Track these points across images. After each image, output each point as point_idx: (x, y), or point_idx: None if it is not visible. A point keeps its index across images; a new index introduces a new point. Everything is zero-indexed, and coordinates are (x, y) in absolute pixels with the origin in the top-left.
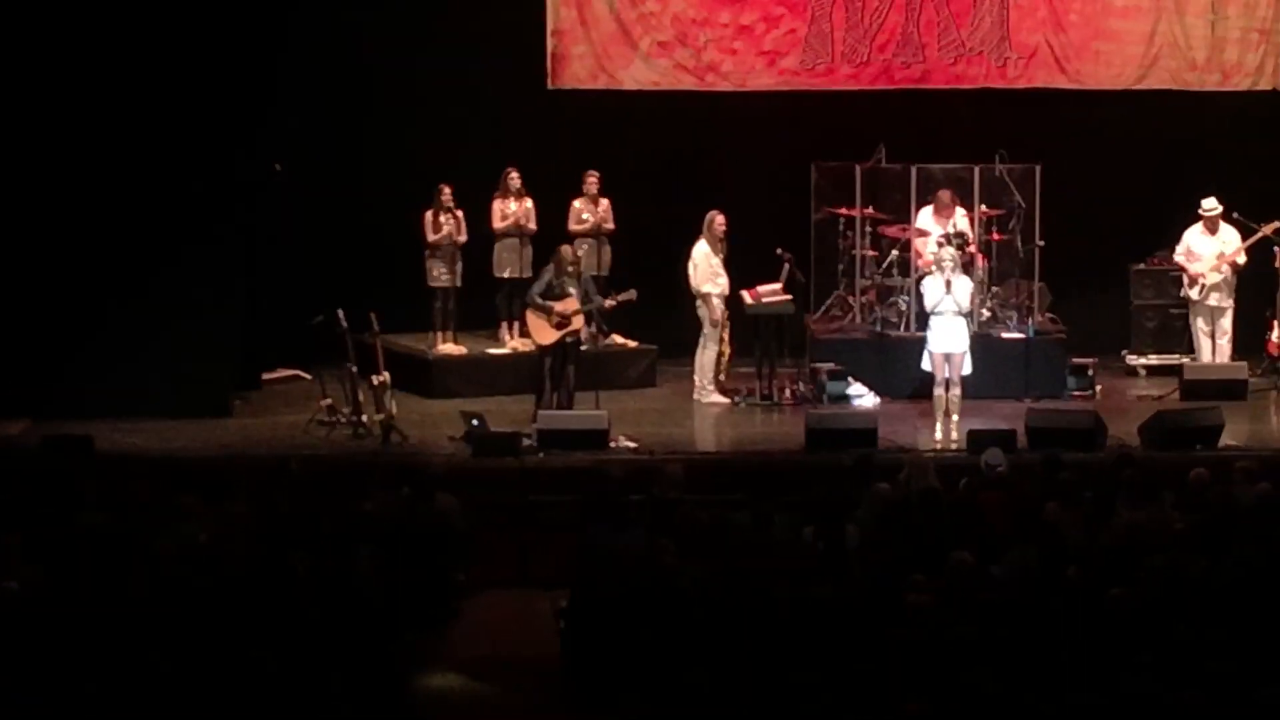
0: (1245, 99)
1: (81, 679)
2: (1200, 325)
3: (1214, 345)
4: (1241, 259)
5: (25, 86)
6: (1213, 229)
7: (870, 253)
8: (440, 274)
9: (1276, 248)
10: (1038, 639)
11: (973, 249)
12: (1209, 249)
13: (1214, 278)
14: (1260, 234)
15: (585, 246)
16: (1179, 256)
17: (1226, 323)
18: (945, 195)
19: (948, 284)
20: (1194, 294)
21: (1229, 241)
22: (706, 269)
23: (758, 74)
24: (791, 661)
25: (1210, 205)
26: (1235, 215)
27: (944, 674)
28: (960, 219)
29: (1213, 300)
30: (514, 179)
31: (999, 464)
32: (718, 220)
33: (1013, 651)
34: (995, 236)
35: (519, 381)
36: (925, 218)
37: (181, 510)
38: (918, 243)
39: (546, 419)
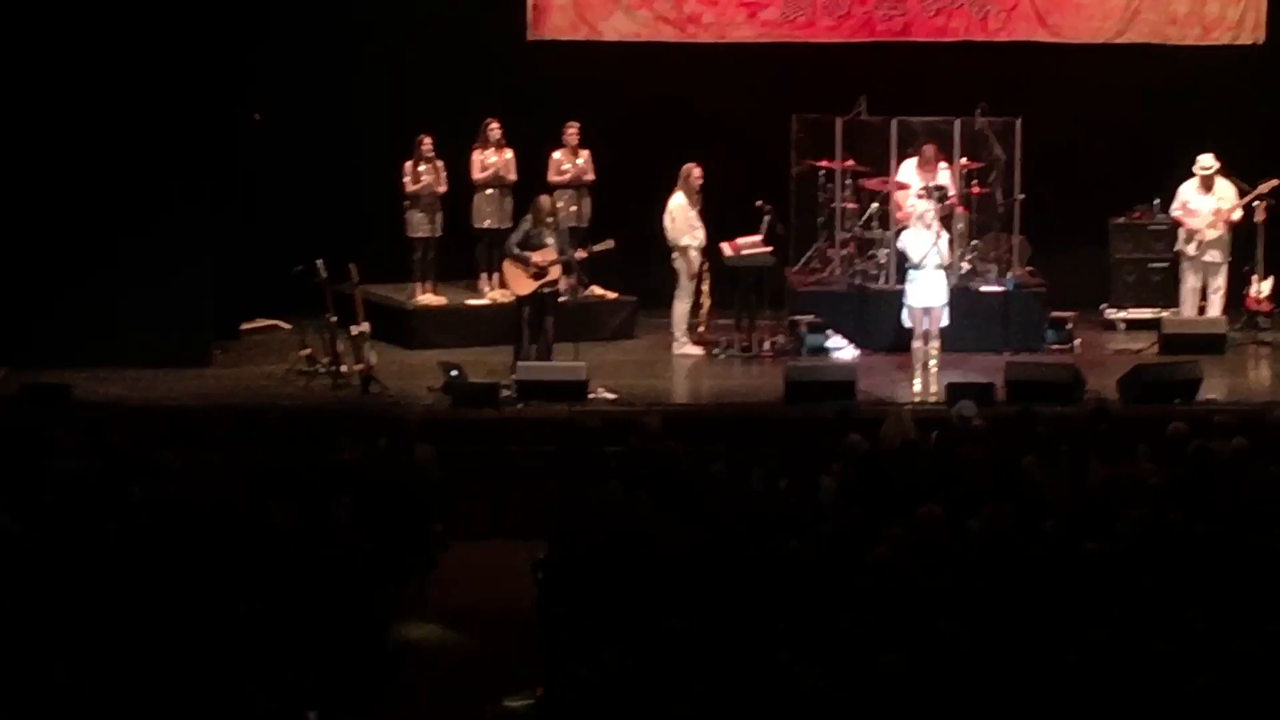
0: (1226, 53)
1: (55, 629)
2: (1191, 281)
3: (1205, 301)
4: (1237, 215)
5: (5, 41)
6: (1208, 186)
7: (850, 205)
8: (420, 224)
9: (1257, 203)
10: (1014, 593)
11: (953, 202)
12: (1206, 205)
13: (1211, 234)
14: (1258, 192)
15: (565, 197)
16: (1175, 212)
17: (1221, 279)
18: (930, 150)
19: (937, 234)
20: (1190, 250)
21: (1225, 198)
22: (683, 221)
23: (738, 25)
24: (766, 613)
25: (1207, 162)
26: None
27: (917, 627)
28: (941, 172)
29: (1209, 257)
30: (494, 130)
31: (971, 415)
32: (694, 173)
33: (988, 605)
34: (975, 189)
35: (498, 332)
36: (908, 171)
37: (158, 460)
38: (897, 195)
39: (525, 370)
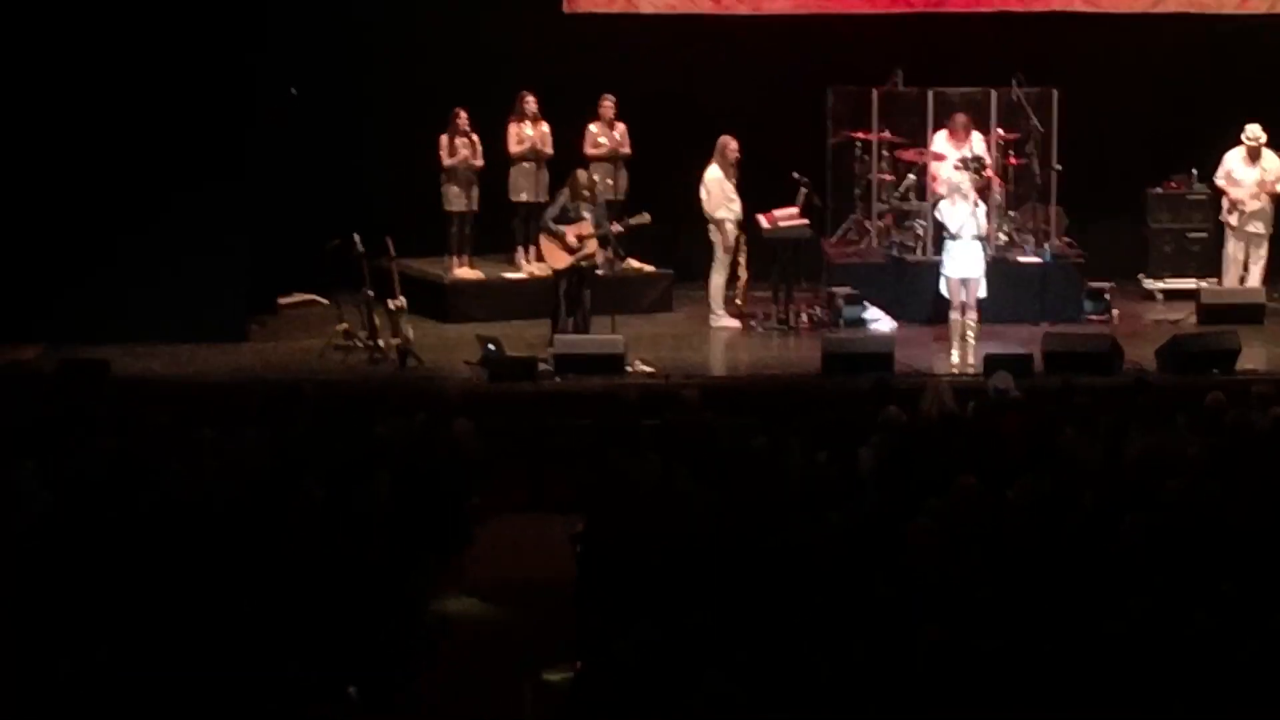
0: (1263, 22)
1: (95, 604)
2: (1233, 251)
3: (1246, 271)
4: None
5: (38, 9)
6: (1255, 156)
7: (887, 177)
8: (456, 198)
9: None
10: (1052, 564)
11: (989, 173)
12: (1250, 176)
13: (1253, 205)
14: None
15: (601, 171)
16: (1219, 180)
17: (1263, 250)
18: (960, 119)
19: (975, 205)
20: (1233, 220)
21: (1270, 170)
22: (719, 194)
23: None
24: (804, 587)
25: (1255, 133)
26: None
27: (958, 600)
28: (977, 143)
29: (1251, 228)
30: (530, 103)
31: (1007, 388)
32: (731, 145)
33: (1027, 576)
34: (1012, 160)
35: (535, 306)
36: (940, 142)
37: (195, 436)
38: (933, 167)
39: (563, 343)
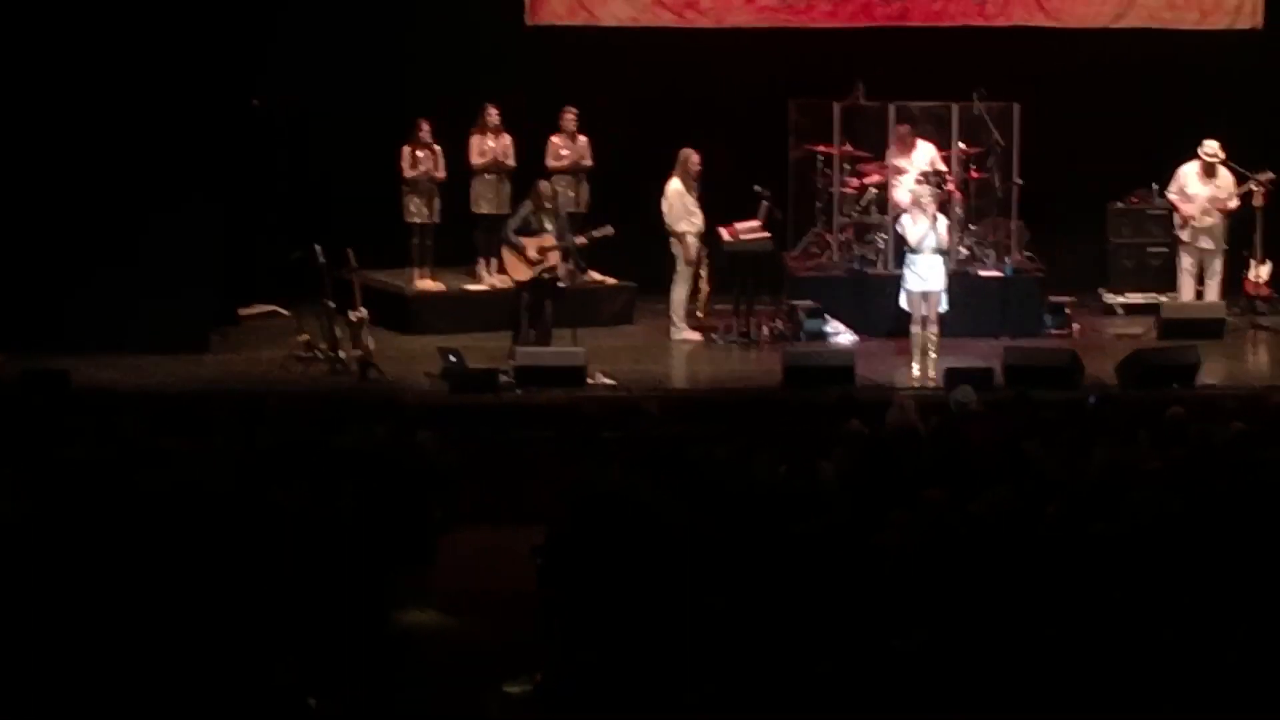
0: (1225, 38)
1: (63, 615)
2: (1186, 265)
3: (1200, 286)
4: (1234, 204)
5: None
6: (1210, 173)
7: (848, 190)
8: (418, 210)
9: (1255, 187)
10: (1016, 576)
11: (950, 187)
12: (1203, 192)
13: (1205, 221)
14: (1251, 184)
15: (564, 183)
16: (1172, 194)
17: (1218, 265)
18: (903, 130)
19: (934, 219)
20: (1184, 235)
21: (1223, 187)
22: (680, 208)
23: (736, 11)
24: (768, 599)
25: (1212, 149)
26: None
27: (920, 611)
28: (936, 158)
29: (1202, 243)
30: (492, 115)
31: (969, 402)
32: (693, 159)
33: (991, 588)
34: (973, 174)
35: (496, 318)
36: (890, 155)
37: (158, 446)
38: (892, 180)
39: (524, 356)
